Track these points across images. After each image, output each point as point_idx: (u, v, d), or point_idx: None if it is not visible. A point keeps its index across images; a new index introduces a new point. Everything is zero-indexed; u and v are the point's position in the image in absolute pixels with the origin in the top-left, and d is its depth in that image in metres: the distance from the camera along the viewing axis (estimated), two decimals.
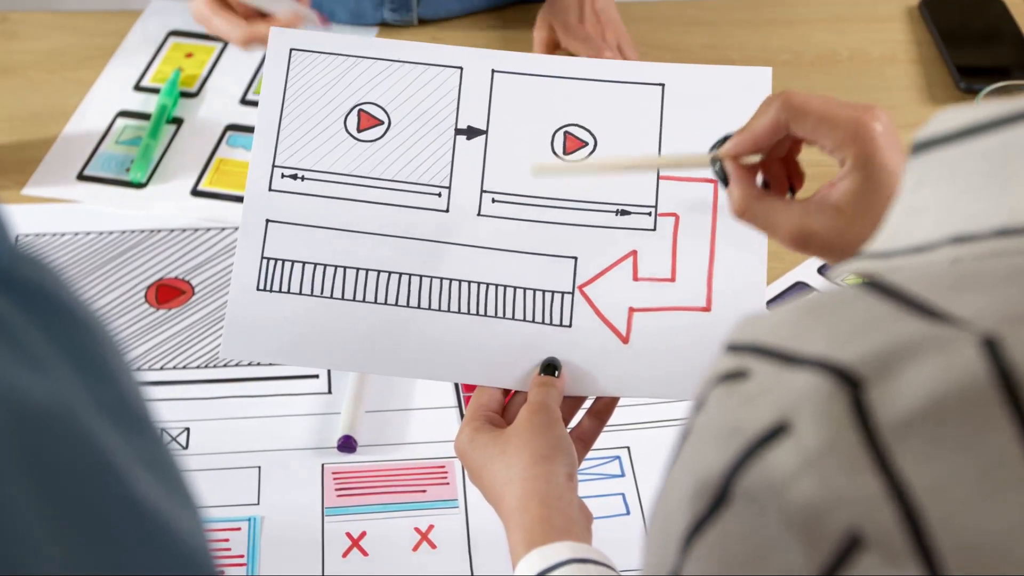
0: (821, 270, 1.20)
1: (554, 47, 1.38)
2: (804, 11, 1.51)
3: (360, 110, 0.95)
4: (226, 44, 1.43)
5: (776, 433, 0.41)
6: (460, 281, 0.92)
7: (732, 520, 0.43)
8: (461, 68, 0.96)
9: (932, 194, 0.50)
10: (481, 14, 1.50)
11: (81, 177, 1.30)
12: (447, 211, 0.93)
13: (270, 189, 0.94)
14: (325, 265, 0.92)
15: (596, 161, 0.92)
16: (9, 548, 0.37)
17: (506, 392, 0.92)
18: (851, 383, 0.40)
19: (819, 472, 0.40)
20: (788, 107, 0.78)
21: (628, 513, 1.02)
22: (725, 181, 0.80)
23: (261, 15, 1.24)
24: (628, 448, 1.07)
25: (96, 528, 0.40)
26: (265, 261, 0.92)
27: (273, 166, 0.94)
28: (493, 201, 0.93)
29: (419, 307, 0.91)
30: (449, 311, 0.92)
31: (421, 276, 0.92)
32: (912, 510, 0.39)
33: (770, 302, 1.16)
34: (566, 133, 0.95)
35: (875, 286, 0.43)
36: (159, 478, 0.43)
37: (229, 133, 1.34)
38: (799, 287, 1.19)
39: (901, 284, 0.43)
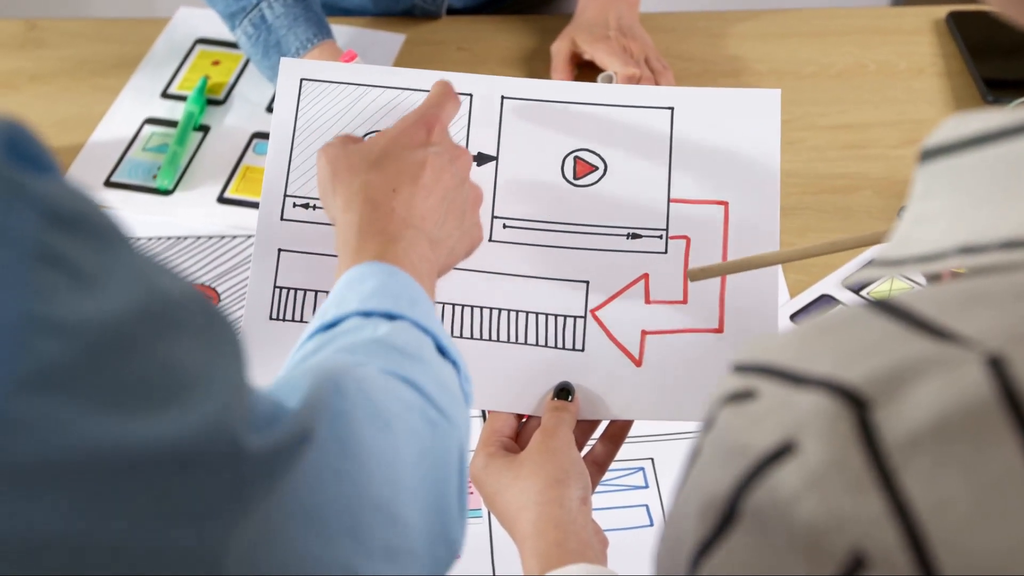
0: (845, 280, 1.19)
1: (573, 62, 1.38)
2: (831, 23, 1.50)
3: (370, 139, 0.95)
4: None
5: (782, 453, 0.41)
6: (472, 307, 0.92)
7: (739, 539, 0.42)
8: (471, 95, 0.96)
9: (940, 203, 0.50)
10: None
11: (108, 184, 1.31)
12: None
13: (282, 219, 0.94)
14: None
15: (753, 257, 0.85)
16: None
17: (520, 417, 0.92)
18: (857, 403, 0.40)
19: (823, 492, 0.40)
20: None
21: (651, 524, 1.02)
22: None
23: None
24: (652, 460, 1.07)
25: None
26: (277, 290, 0.93)
27: (284, 195, 0.94)
28: (504, 227, 0.93)
29: (428, 332, 0.91)
30: (462, 337, 0.92)
31: (432, 303, 0.92)
32: (915, 530, 0.38)
33: (794, 316, 1.16)
34: (576, 158, 0.95)
35: (882, 305, 0.43)
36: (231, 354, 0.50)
37: (255, 141, 1.34)
38: (824, 300, 1.18)
39: (908, 303, 0.43)
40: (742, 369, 0.45)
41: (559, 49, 1.38)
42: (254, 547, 0.47)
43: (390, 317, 0.75)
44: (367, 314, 0.75)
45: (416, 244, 0.81)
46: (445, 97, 0.90)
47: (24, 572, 0.39)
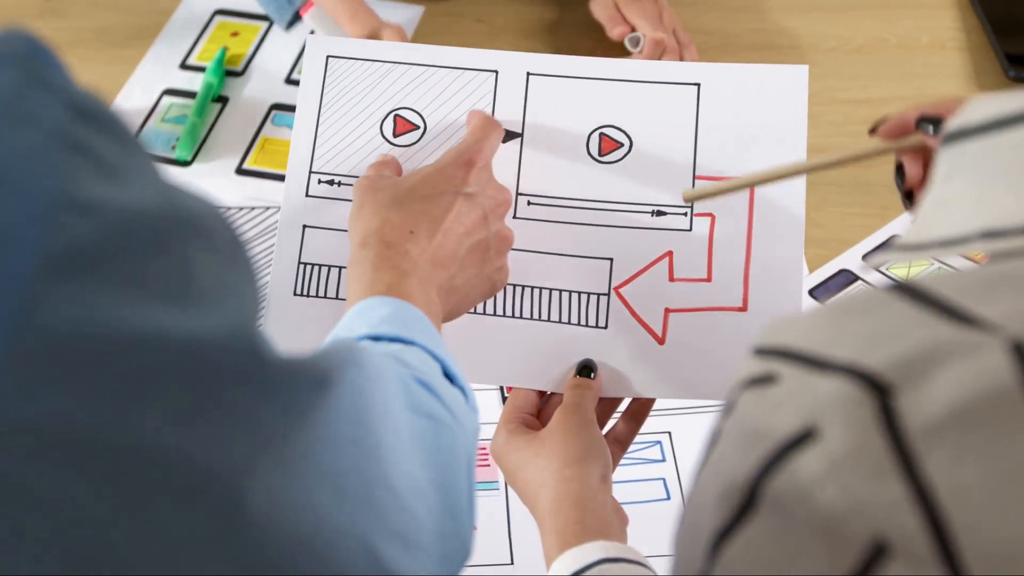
0: (866, 258, 1.19)
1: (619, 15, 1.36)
2: None
3: (396, 115, 0.96)
4: (271, 23, 1.43)
5: (803, 439, 0.41)
6: None
7: (759, 525, 0.42)
8: (496, 72, 0.96)
9: (962, 186, 0.50)
10: None
11: None
12: None
13: (307, 195, 0.94)
14: None
15: (745, 177, 0.83)
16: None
17: (541, 393, 0.92)
18: (879, 389, 0.40)
19: (845, 478, 0.40)
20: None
21: (668, 498, 1.02)
22: (936, 126, 0.72)
23: None
24: (669, 433, 1.07)
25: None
26: (302, 266, 0.93)
27: (310, 172, 0.95)
28: (529, 203, 0.93)
29: None
30: (484, 313, 0.92)
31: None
32: (937, 516, 0.38)
33: (813, 290, 1.16)
34: (601, 134, 0.94)
35: (905, 289, 0.43)
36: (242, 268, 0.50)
37: (274, 112, 1.34)
38: (843, 275, 1.18)
39: (930, 287, 0.43)
40: (763, 353, 0.45)
41: (604, 5, 1.36)
42: (277, 494, 0.47)
43: (400, 341, 0.74)
44: (377, 338, 0.75)
45: (425, 287, 0.81)
46: (487, 130, 0.89)
47: (38, 464, 0.39)
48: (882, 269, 1.17)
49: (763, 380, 0.44)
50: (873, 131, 0.79)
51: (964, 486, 0.38)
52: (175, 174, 1.27)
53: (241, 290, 0.49)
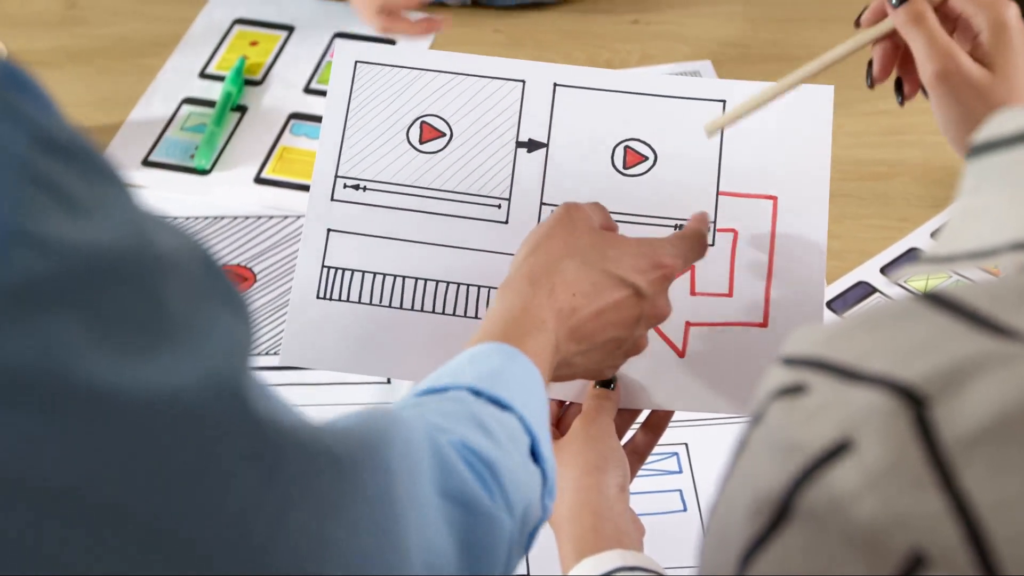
0: (884, 270, 1.19)
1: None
2: None
3: (423, 122, 0.96)
4: (290, 33, 1.44)
5: (838, 451, 0.40)
6: None
7: (793, 538, 0.42)
8: (523, 81, 0.96)
9: (990, 198, 0.49)
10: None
11: (146, 163, 1.31)
12: (507, 223, 0.93)
13: (332, 199, 0.94)
14: (384, 275, 0.93)
15: (758, 94, 0.85)
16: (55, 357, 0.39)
17: (561, 403, 0.92)
18: (915, 401, 0.40)
19: (882, 491, 0.39)
20: None
21: (685, 509, 1.02)
22: None
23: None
24: (686, 445, 1.07)
25: (141, 340, 0.42)
26: (326, 270, 0.93)
27: (336, 176, 0.95)
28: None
29: (477, 318, 0.92)
30: None
31: (480, 287, 0.92)
32: (977, 528, 0.38)
33: (831, 302, 1.16)
34: (626, 147, 0.94)
35: (937, 299, 0.43)
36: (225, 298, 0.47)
37: (293, 121, 1.35)
38: (861, 287, 1.18)
39: (964, 298, 0.42)
40: (792, 362, 0.44)
41: None
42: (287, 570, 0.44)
43: (500, 405, 0.71)
44: (478, 392, 0.71)
45: (556, 352, 0.78)
46: (697, 249, 0.86)
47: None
48: (902, 282, 1.16)
49: (793, 390, 0.43)
50: (857, 23, 0.86)
51: (1004, 498, 0.38)
52: (194, 182, 1.28)
53: (224, 324, 0.46)
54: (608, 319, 0.80)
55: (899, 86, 0.86)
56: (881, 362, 0.41)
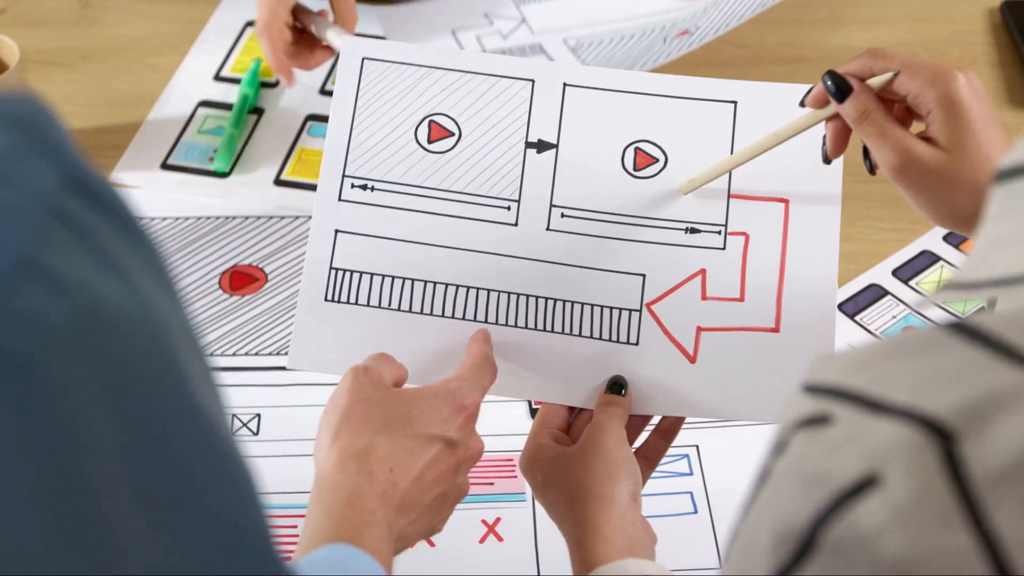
0: (896, 272, 1.19)
1: None
2: (884, 11, 1.49)
3: (431, 121, 0.95)
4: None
5: (865, 485, 0.40)
6: (527, 296, 0.92)
7: (818, 572, 0.41)
8: (533, 81, 0.95)
9: (1015, 225, 0.49)
10: None
11: (164, 166, 1.32)
12: (516, 225, 0.93)
13: (339, 199, 0.94)
14: (393, 277, 0.92)
15: (731, 157, 0.90)
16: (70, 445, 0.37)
17: (571, 409, 0.91)
18: (942, 435, 0.39)
19: (910, 527, 0.39)
20: (874, 54, 0.80)
21: (696, 512, 1.02)
22: (841, 93, 0.80)
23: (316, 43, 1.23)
24: (697, 447, 1.07)
25: (161, 432, 0.41)
26: (333, 272, 0.92)
27: (343, 176, 0.94)
28: (562, 216, 0.93)
29: (485, 321, 0.91)
30: (515, 326, 0.91)
31: (488, 290, 0.92)
32: (1007, 568, 0.38)
33: (842, 305, 1.16)
34: (637, 149, 0.94)
35: (964, 329, 0.42)
36: (213, 392, 0.45)
37: (310, 123, 1.35)
38: (872, 289, 1.18)
39: (992, 328, 0.42)
40: (814, 391, 0.44)
41: None
42: None
43: None
44: None
45: (389, 538, 0.75)
46: (484, 372, 0.85)
47: None
48: (911, 283, 1.16)
49: (817, 421, 0.43)
50: (802, 103, 0.84)
51: None
52: (214, 185, 1.28)
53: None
54: (429, 479, 0.78)
55: (866, 154, 0.83)
56: (906, 393, 0.41)
